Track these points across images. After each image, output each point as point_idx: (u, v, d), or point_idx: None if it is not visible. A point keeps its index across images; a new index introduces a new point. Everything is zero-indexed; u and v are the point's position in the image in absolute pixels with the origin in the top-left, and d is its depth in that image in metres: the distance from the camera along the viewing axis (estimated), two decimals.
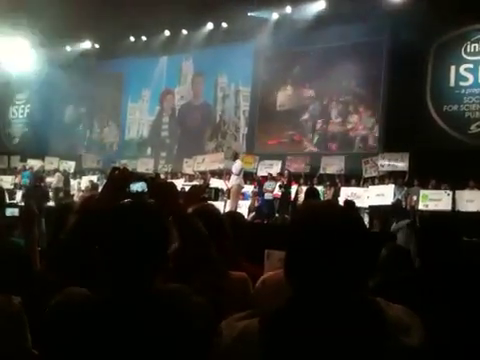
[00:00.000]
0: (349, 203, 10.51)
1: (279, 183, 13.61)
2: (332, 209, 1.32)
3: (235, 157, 13.68)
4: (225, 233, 2.37)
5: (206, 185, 13.27)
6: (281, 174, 14.35)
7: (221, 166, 15.38)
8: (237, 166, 13.24)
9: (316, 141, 16.55)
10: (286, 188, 13.32)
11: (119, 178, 1.84)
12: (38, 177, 16.37)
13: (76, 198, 15.26)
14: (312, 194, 6.98)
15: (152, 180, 1.89)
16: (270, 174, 14.42)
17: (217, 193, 10.66)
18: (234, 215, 3.26)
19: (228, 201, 13.36)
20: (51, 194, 16.10)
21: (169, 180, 11.65)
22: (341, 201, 10.87)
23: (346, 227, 1.25)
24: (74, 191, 16.27)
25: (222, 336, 1.28)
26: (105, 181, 1.97)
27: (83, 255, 1.70)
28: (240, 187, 13.30)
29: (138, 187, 1.81)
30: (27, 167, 18.62)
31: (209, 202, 2.85)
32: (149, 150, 20.02)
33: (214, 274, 1.71)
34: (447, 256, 2.17)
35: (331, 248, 1.22)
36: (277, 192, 13.69)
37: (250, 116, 18.04)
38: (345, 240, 1.23)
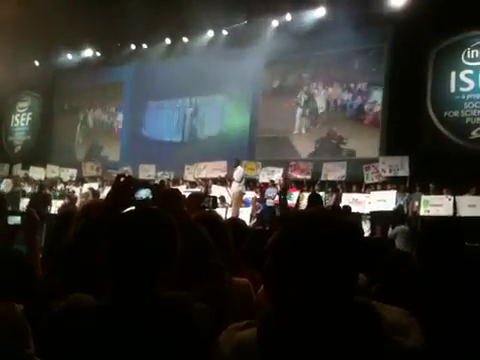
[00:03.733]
0: (344, 208, 10.55)
1: (277, 190, 13.65)
2: (322, 216, 1.30)
3: (236, 164, 13.69)
4: (227, 240, 2.38)
5: (205, 193, 13.29)
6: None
7: (222, 174, 15.38)
8: (238, 173, 13.25)
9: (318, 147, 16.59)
10: (283, 195, 13.34)
11: (124, 185, 1.85)
12: (41, 184, 16.58)
13: (77, 205, 15.29)
14: (315, 200, 6.93)
15: (157, 187, 1.89)
16: (272, 181, 14.42)
17: (215, 201, 10.64)
18: (236, 222, 3.26)
19: (230, 208, 13.36)
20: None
21: (174, 187, 11.66)
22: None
23: (335, 234, 1.23)
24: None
25: (221, 346, 1.28)
26: (106, 188, 1.98)
27: (86, 261, 1.70)
28: (242, 194, 13.32)
29: (143, 194, 1.81)
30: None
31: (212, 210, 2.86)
32: None
33: (218, 281, 1.71)
34: (449, 260, 2.17)
35: (321, 255, 1.20)
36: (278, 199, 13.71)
37: (251, 122, 18.05)
38: (334, 246, 1.21)
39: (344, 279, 1.22)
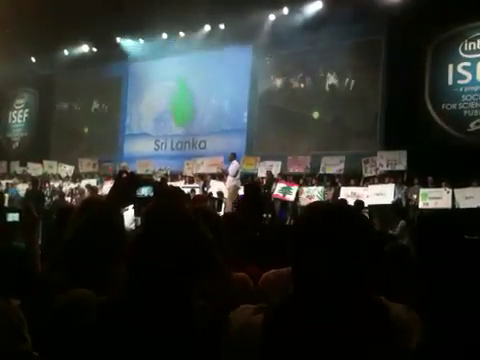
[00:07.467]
0: (359, 203, 10.53)
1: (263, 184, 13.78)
2: (336, 209, 1.33)
3: (232, 158, 13.65)
4: (221, 234, 2.37)
5: (209, 194, 13.24)
6: (280, 175, 14.42)
7: (220, 169, 15.39)
8: (233, 167, 13.21)
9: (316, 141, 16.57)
10: (267, 189, 13.47)
11: (126, 182, 1.84)
12: (35, 181, 16.58)
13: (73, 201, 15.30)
14: (251, 192, 5.71)
15: (159, 185, 1.89)
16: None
17: (220, 203, 10.63)
18: (232, 216, 3.26)
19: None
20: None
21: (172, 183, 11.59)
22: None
23: (348, 227, 1.26)
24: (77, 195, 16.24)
25: (231, 323, 1.32)
26: (105, 184, 1.97)
27: (87, 257, 1.69)
28: (237, 188, 13.24)
29: (145, 192, 1.81)
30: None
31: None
32: None
33: (218, 278, 1.70)
34: (448, 254, 2.16)
35: (333, 247, 1.22)
36: (278, 193, 13.71)
37: (249, 117, 18.03)
38: (347, 239, 1.24)
39: (360, 271, 1.24)
